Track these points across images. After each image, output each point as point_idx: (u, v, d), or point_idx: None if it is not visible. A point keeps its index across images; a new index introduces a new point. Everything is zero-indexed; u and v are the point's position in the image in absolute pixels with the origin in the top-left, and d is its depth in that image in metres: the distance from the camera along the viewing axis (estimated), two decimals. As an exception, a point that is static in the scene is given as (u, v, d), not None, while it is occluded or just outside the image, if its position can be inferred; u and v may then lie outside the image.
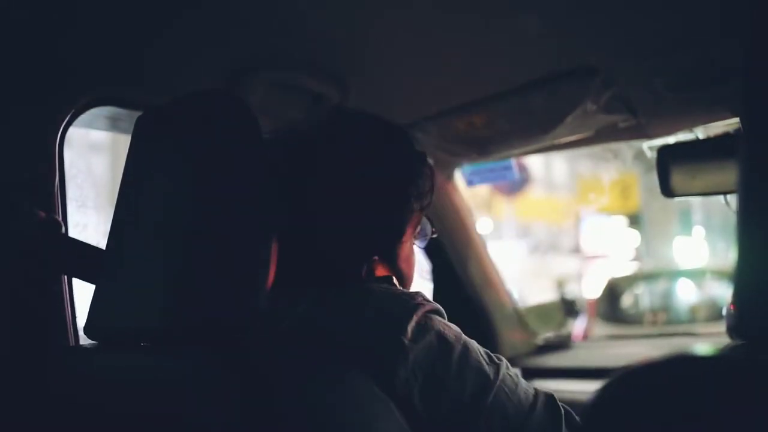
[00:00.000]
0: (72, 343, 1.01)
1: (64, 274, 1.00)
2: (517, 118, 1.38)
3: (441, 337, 0.75)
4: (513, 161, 1.80)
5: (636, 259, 10.61)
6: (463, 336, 0.77)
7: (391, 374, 0.71)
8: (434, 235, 0.96)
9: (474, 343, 0.78)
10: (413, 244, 0.92)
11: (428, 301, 0.79)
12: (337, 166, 0.82)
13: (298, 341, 0.76)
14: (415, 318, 0.74)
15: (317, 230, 0.81)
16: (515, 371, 0.79)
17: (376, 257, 0.84)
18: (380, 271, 0.85)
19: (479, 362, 0.75)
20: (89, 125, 1.24)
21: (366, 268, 0.83)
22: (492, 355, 0.79)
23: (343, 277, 0.82)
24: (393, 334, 0.73)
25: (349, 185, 0.82)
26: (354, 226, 0.82)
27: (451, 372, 0.73)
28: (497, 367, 0.76)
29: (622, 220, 10.89)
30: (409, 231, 0.88)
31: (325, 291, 0.79)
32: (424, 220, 0.92)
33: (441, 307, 0.79)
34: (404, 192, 0.85)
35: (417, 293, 0.79)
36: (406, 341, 0.72)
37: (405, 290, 0.84)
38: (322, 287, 0.80)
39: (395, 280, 0.85)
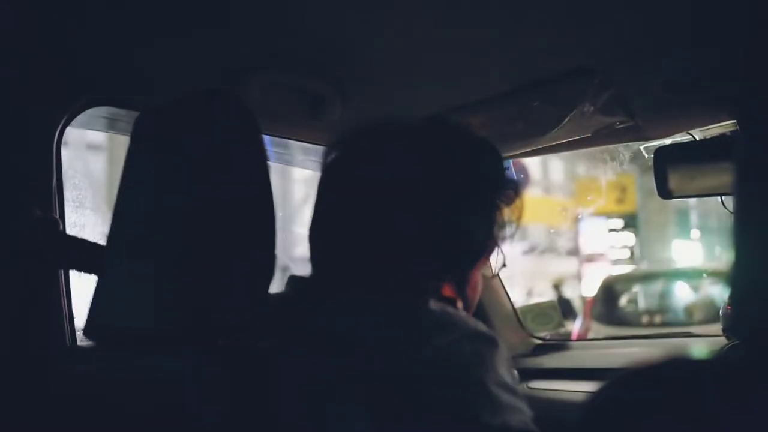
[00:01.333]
0: (69, 343, 1.01)
1: (64, 268, 1.00)
2: (514, 119, 1.38)
3: (464, 368, 0.66)
4: (511, 162, 1.80)
5: (632, 260, 10.64)
6: (504, 391, 0.66)
7: (393, 384, 0.66)
8: (505, 267, 0.92)
9: (506, 400, 0.65)
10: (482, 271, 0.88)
11: (487, 335, 0.71)
12: (435, 180, 0.78)
13: (303, 342, 0.75)
14: (455, 342, 0.68)
15: (398, 236, 0.76)
16: None
17: (449, 275, 0.80)
18: (446, 292, 0.81)
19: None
20: (87, 125, 1.24)
21: (433, 285, 0.79)
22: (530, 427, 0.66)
23: (408, 288, 0.75)
24: (412, 349, 0.67)
25: (448, 203, 0.78)
26: (440, 243, 0.77)
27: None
28: None
29: (619, 222, 10.91)
30: (485, 258, 0.86)
31: (375, 299, 0.73)
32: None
33: (499, 342, 0.70)
34: (493, 218, 0.82)
35: (475, 321, 0.72)
36: (424, 361, 0.66)
37: (464, 314, 0.75)
38: (374, 294, 0.74)
39: (459, 305, 0.81)
